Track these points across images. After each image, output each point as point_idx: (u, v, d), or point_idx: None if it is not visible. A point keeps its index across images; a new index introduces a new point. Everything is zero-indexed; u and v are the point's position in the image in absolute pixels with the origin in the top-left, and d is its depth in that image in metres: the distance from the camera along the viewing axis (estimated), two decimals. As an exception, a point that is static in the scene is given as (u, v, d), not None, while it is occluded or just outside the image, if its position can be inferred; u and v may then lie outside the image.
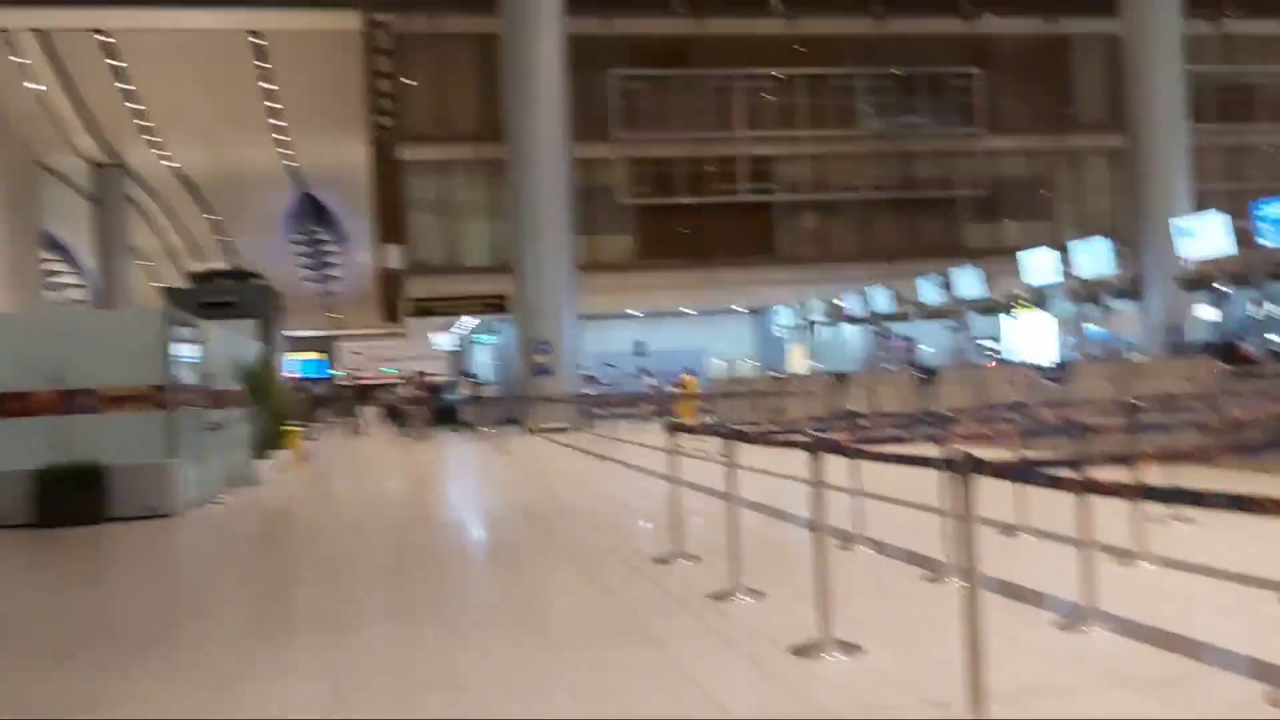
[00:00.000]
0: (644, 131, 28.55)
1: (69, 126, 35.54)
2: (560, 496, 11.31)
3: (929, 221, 31.02)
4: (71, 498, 9.52)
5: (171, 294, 17.62)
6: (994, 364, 21.35)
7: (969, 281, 25.91)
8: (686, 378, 27.49)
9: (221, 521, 10.40)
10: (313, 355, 51.13)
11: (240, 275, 17.60)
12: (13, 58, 30.54)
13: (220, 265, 17.99)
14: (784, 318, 27.86)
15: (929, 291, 25.28)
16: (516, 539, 8.43)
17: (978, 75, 30.56)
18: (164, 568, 8.16)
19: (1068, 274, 24.83)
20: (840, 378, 17.96)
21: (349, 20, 28.82)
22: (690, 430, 7.34)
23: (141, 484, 9.95)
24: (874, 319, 25.88)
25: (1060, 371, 13.63)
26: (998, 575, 5.11)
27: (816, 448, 4.68)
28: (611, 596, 5.85)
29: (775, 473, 9.17)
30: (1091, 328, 26.09)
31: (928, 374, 15.14)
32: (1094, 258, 24.42)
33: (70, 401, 9.97)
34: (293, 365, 47.74)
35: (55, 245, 40.99)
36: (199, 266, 17.71)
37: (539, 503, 10.79)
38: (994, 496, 4.15)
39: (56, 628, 5.85)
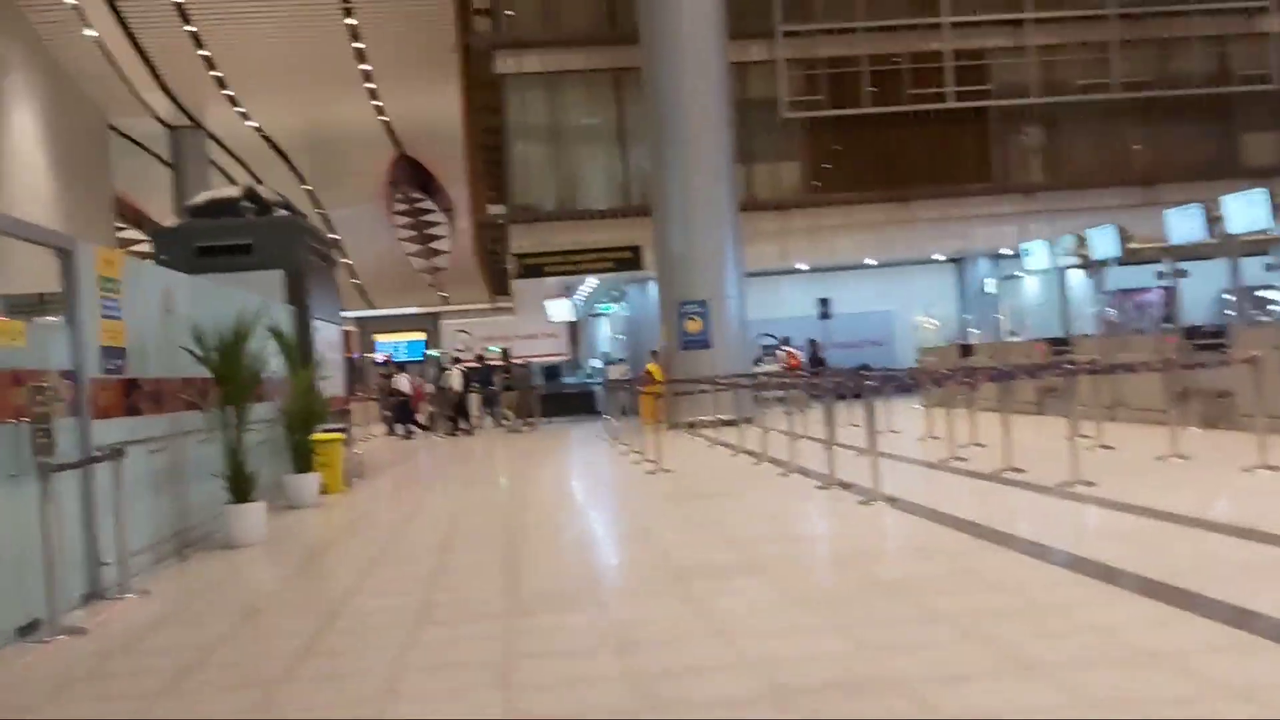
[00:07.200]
0: (815, 23, 21.69)
1: (138, 83, 31.45)
2: (875, 645, 4.20)
3: (1196, 130, 23.31)
4: None
5: (159, 236, 11.98)
6: None
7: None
8: (790, 351, 22.21)
9: (35, 695, 4.27)
10: (413, 336, 46.50)
11: (261, 205, 11.66)
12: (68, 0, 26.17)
13: (229, 191, 12.05)
14: (1037, 258, 20.06)
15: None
16: None
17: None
18: None
19: None
20: (1196, 337, 11.00)
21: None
22: None
23: None
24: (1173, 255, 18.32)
25: None
26: None
27: None
28: None
29: None
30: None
31: None
32: None
33: None
34: (386, 347, 43.02)
35: (135, 214, 37.18)
36: (203, 196, 11.86)
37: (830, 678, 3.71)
38: None
39: None
